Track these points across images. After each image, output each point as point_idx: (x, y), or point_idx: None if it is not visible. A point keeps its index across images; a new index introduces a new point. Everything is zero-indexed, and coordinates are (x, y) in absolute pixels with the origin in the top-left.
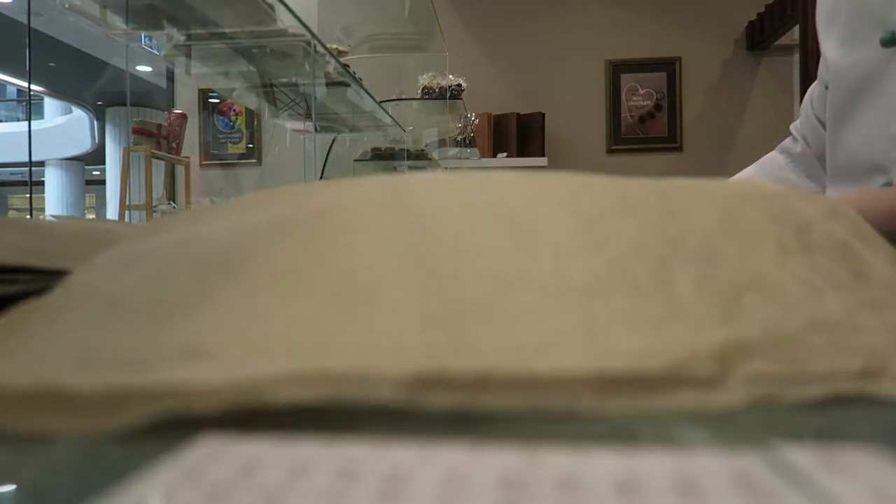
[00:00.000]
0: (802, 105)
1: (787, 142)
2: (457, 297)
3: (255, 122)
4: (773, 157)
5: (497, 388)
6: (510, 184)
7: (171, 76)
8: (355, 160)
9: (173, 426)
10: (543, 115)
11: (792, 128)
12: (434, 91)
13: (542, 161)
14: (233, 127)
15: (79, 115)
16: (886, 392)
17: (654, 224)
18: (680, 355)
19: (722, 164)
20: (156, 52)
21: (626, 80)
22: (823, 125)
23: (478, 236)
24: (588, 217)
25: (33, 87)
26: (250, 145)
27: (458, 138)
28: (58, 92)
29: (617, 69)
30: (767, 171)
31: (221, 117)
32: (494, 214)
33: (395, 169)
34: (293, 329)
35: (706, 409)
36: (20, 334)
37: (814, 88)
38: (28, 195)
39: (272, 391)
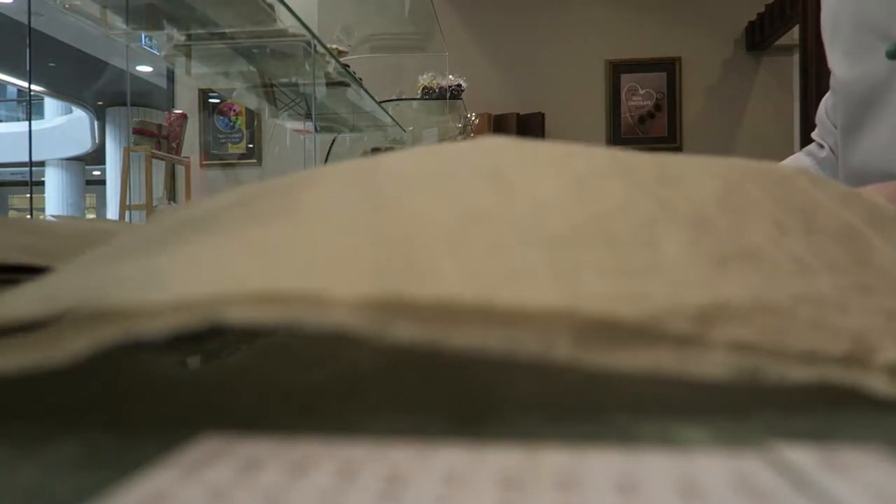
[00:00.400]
0: (818, 115)
1: (812, 147)
2: (414, 224)
3: (256, 122)
4: (798, 158)
5: (464, 322)
6: (500, 145)
7: (171, 76)
8: None
9: (173, 425)
10: (543, 115)
11: (814, 135)
12: (434, 91)
13: None
14: (233, 127)
15: (79, 115)
16: (872, 386)
17: (646, 187)
18: (657, 308)
19: None
20: (156, 52)
21: (626, 80)
22: None
23: (448, 179)
24: (577, 176)
25: (33, 87)
26: (250, 145)
27: (458, 138)
28: (58, 92)
29: (617, 69)
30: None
31: (221, 117)
32: (473, 164)
33: None
34: (239, 252)
35: (684, 373)
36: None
37: (828, 98)
38: (28, 195)
39: (222, 311)
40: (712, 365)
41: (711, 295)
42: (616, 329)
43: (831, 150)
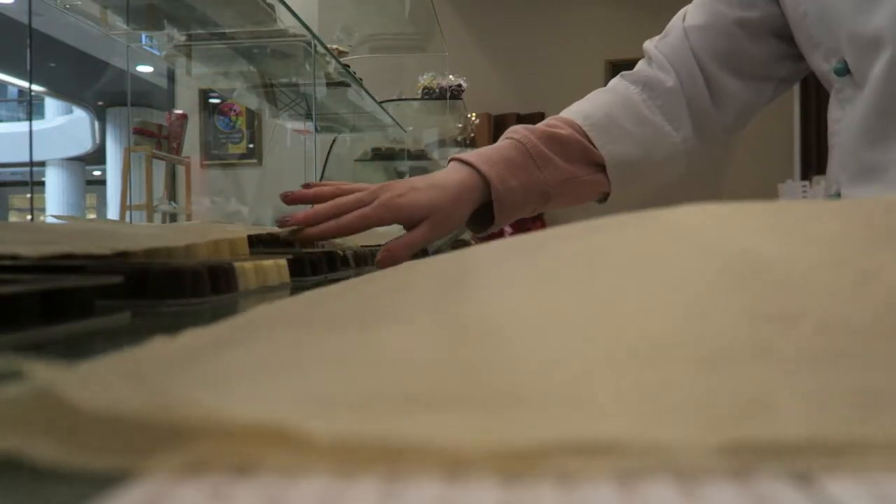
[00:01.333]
0: (672, 30)
1: (651, 71)
2: (715, 340)
3: (256, 123)
4: (626, 95)
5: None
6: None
7: (171, 76)
8: (356, 160)
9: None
10: (543, 115)
11: (654, 50)
12: (434, 91)
13: None
14: (233, 127)
15: (79, 115)
16: None
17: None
18: None
19: (721, 163)
20: (156, 52)
21: None
22: (702, 68)
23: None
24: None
25: (34, 87)
26: (251, 145)
27: (459, 138)
28: (58, 92)
29: (617, 69)
30: (626, 108)
31: (222, 117)
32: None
33: (395, 169)
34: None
35: None
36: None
37: (695, 18)
38: (29, 195)
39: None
40: None
41: None
42: None
43: (680, 79)
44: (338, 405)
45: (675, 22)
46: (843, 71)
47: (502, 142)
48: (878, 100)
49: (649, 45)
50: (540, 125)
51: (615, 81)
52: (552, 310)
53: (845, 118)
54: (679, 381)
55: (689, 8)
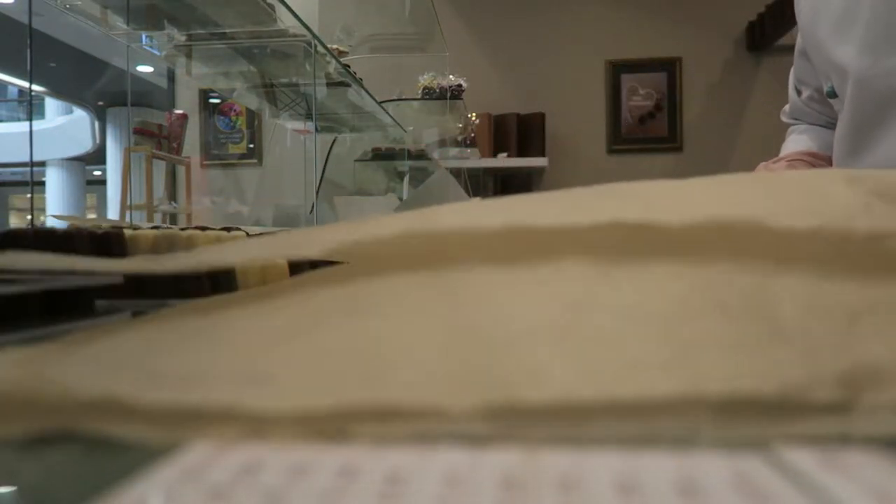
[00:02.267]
0: (795, 109)
1: (812, 126)
2: (518, 321)
3: (256, 123)
4: (819, 132)
5: (588, 416)
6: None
7: (171, 76)
8: (356, 160)
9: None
10: (543, 115)
11: (791, 120)
12: (434, 91)
13: (543, 161)
14: (233, 127)
15: (80, 115)
16: None
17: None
18: (792, 379)
19: (722, 164)
20: (156, 52)
21: (627, 80)
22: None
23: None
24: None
25: (34, 87)
26: (251, 145)
27: (459, 138)
28: (58, 92)
29: (617, 69)
30: (825, 145)
31: (222, 117)
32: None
33: (395, 169)
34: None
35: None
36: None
37: (798, 96)
38: (29, 195)
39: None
40: (868, 427)
41: (851, 358)
42: (751, 406)
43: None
44: (168, 378)
45: (792, 95)
46: (833, 94)
47: (784, 169)
48: (851, 117)
49: (784, 118)
50: (802, 151)
51: (803, 127)
52: (411, 296)
53: (837, 135)
54: (475, 358)
55: (794, 78)
